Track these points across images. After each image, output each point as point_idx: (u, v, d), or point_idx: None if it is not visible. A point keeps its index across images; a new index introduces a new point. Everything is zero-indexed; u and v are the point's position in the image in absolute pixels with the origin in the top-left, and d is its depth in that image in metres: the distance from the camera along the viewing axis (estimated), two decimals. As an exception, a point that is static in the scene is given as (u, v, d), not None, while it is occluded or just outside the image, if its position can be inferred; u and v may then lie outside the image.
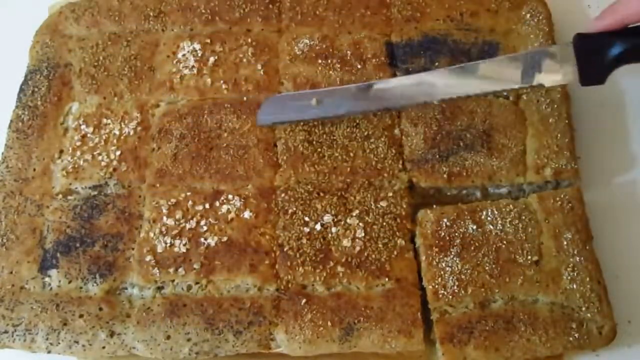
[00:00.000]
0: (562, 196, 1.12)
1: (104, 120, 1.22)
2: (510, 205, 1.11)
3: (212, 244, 1.10)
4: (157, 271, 1.08)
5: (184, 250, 1.10)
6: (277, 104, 1.19)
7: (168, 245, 1.10)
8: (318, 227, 1.10)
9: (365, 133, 1.18)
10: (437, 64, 1.23)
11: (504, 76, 1.08)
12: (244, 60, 1.26)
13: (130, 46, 1.29)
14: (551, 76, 1.06)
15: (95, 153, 1.19)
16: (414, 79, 1.14)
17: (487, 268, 1.06)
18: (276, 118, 1.18)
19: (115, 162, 1.18)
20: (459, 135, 1.17)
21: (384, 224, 1.10)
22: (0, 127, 1.25)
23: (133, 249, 1.11)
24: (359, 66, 1.24)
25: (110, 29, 1.32)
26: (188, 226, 1.11)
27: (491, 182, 1.15)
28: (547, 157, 1.16)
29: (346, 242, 1.09)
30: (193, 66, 1.26)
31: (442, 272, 1.07)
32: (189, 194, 1.14)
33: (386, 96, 1.14)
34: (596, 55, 1.04)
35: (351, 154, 1.17)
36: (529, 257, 1.07)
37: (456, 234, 1.09)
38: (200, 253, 1.09)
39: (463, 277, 1.06)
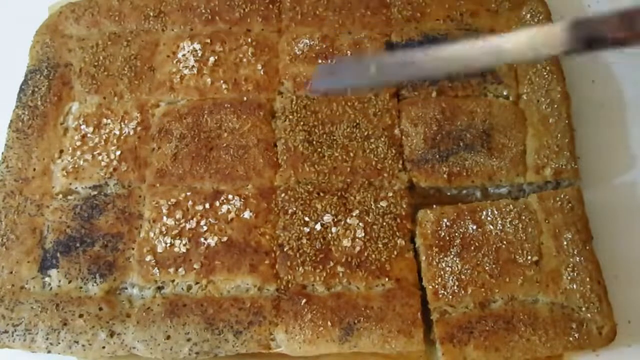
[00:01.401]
0: (562, 196, 1.12)
1: (104, 120, 1.22)
2: (510, 205, 1.11)
3: (212, 244, 1.10)
4: (157, 271, 1.08)
5: (184, 250, 1.10)
6: (330, 71, 1.06)
7: (168, 245, 1.10)
8: (318, 227, 1.10)
9: (365, 133, 1.18)
10: (437, 64, 1.24)
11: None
12: (244, 60, 1.26)
13: (130, 46, 1.29)
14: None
15: (95, 153, 1.19)
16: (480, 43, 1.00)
17: (487, 268, 1.06)
18: (331, 84, 1.04)
19: (115, 162, 1.18)
20: (459, 135, 1.17)
21: (384, 224, 1.10)
22: (0, 127, 1.25)
23: (133, 249, 1.11)
24: (359, 66, 1.24)
25: (110, 29, 1.32)
26: (188, 226, 1.11)
27: (491, 182, 1.15)
28: (547, 157, 1.16)
29: (346, 242, 1.09)
30: (193, 66, 1.26)
31: (442, 272, 1.07)
32: (189, 194, 1.14)
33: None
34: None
35: (351, 154, 1.17)
36: (529, 257, 1.07)
37: (456, 234, 1.09)
38: (200, 253, 1.09)
39: (463, 277, 1.06)
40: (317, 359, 1.05)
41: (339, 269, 1.07)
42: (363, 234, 1.10)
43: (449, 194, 1.17)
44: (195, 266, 1.08)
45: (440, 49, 0.97)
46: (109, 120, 1.22)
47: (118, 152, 1.19)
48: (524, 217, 1.10)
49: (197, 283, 1.08)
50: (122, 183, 1.17)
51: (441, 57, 0.96)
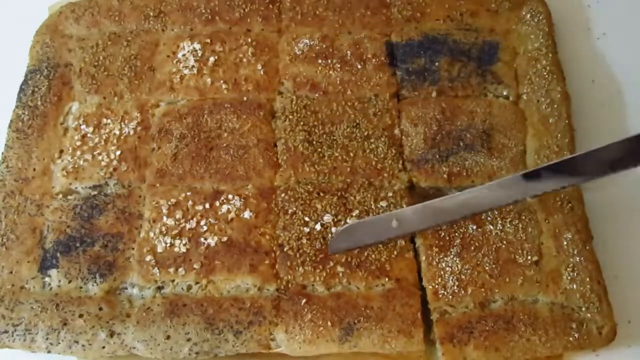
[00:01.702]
0: (562, 196, 1.12)
1: (104, 120, 1.22)
2: (510, 205, 1.11)
3: (212, 244, 1.10)
4: (157, 271, 1.08)
5: (184, 250, 1.10)
6: (351, 232, 1.09)
7: (168, 245, 1.10)
8: (318, 227, 1.10)
9: (365, 133, 1.18)
10: (437, 63, 1.24)
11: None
12: (244, 60, 1.26)
13: (130, 46, 1.29)
14: None
15: (95, 153, 1.19)
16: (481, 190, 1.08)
17: (487, 268, 1.06)
18: (353, 244, 1.09)
19: (115, 162, 1.18)
20: (459, 135, 1.17)
21: (384, 224, 1.10)
22: (0, 127, 1.25)
23: (133, 248, 1.11)
24: (359, 66, 1.24)
25: (110, 29, 1.32)
26: (188, 226, 1.11)
27: (491, 182, 1.15)
28: (547, 157, 1.15)
29: (346, 242, 1.09)
30: (193, 66, 1.26)
31: (442, 272, 1.07)
32: (189, 194, 1.14)
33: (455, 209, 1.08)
34: None
35: (351, 154, 1.17)
36: (529, 257, 1.07)
37: (456, 234, 1.09)
38: (200, 253, 1.09)
39: (463, 277, 1.06)
40: (317, 359, 1.05)
41: (339, 269, 1.07)
42: (363, 234, 1.10)
43: (449, 194, 1.17)
44: (195, 266, 1.08)
45: (459, 196, 1.08)
46: (109, 120, 1.22)
47: (118, 152, 1.19)
48: (524, 217, 1.10)
49: (197, 283, 1.08)
50: (122, 183, 1.17)
51: (460, 204, 1.06)
